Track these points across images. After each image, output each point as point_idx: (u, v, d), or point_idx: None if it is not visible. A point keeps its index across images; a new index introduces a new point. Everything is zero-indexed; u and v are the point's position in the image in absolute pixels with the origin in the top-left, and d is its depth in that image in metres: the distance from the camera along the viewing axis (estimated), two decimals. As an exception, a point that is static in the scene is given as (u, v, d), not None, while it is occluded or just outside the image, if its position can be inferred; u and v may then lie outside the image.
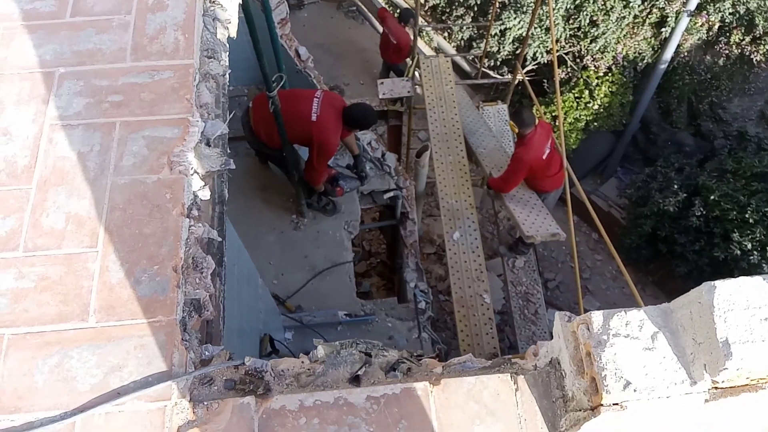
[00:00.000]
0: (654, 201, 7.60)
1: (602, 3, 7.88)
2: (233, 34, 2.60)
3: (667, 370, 1.45)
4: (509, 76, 7.74)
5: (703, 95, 8.36)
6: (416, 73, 7.00)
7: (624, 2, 7.81)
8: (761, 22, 7.53)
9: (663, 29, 7.93)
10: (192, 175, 1.98)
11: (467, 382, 1.69)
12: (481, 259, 5.14)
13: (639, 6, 7.81)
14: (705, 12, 7.77)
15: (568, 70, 8.61)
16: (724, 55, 8.05)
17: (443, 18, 9.48)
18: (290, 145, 4.60)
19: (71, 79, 2.16)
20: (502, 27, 8.48)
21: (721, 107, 8.28)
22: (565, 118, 8.38)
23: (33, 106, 2.10)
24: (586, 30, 8.16)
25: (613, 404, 1.45)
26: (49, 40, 2.29)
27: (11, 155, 2.00)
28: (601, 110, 8.35)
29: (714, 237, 6.94)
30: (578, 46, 8.37)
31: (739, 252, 6.57)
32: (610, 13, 7.84)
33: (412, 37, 8.19)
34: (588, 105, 8.31)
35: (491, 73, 8.84)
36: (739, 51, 8.00)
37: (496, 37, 8.65)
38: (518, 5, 8.27)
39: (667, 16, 7.82)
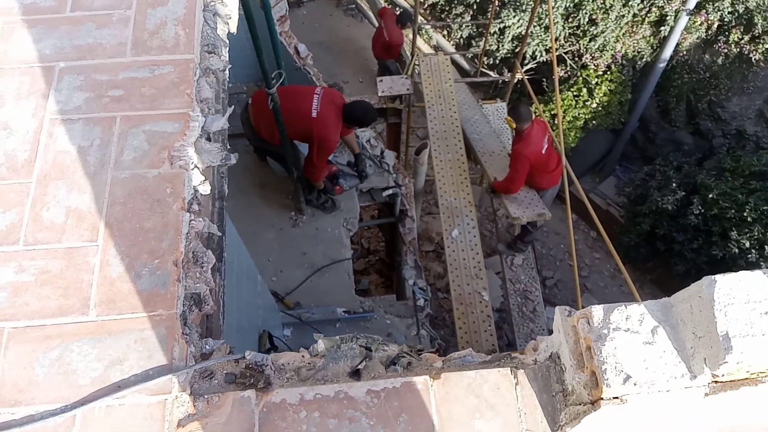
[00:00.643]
0: (652, 199, 7.62)
1: (601, 2, 7.89)
2: (233, 29, 2.60)
3: (667, 364, 1.46)
4: (508, 74, 7.75)
5: (701, 94, 8.37)
6: (415, 71, 7.01)
7: (623, 1, 7.83)
8: (760, 21, 7.55)
9: (662, 28, 7.95)
10: (192, 169, 1.98)
11: (467, 376, 1.69)
12: (479, 257, 5.15)
13: (638, 5, 7.82)
14: (704, 11, 7.78)
15: (568, 68, 8.62)
16: (723, 53, 8.06)
17: (442, 16, 9.48)
18: (290, 142, 4.59)
19: (71, 73, 2.15)
20: (502, 25, 8.48)
21: (719, 106, 8.29)
22: (563, 117, 8.38)
23: (33, 100, 2.09)
24: (586, 28, 8.17)
25: (613, 398, 1.45)
26: (49, 34, 2.28)
27: (11, 149, 2.00)
28: (600, 109, 8.36)
29: (712, 235, 6.95)
30: (577, 44, 8.38)
31: (737, 250, 6.59)
32: (610, 11, 7.86)
33: (404, 40, 8.22)
34: (587, 103, 8.32)
35: (490, 72, 8.84)
36: (738, 50, 8.02)
37: (495, 36, 8.66)
38: (517, 3, 8.27)
39: (666, 15, 7.84)
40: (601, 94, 8.27)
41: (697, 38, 8.17)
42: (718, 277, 1.41)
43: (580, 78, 8.43)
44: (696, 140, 8.70)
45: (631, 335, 1.49)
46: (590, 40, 8.21)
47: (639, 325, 1.51)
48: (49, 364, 1.65)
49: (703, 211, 7.05)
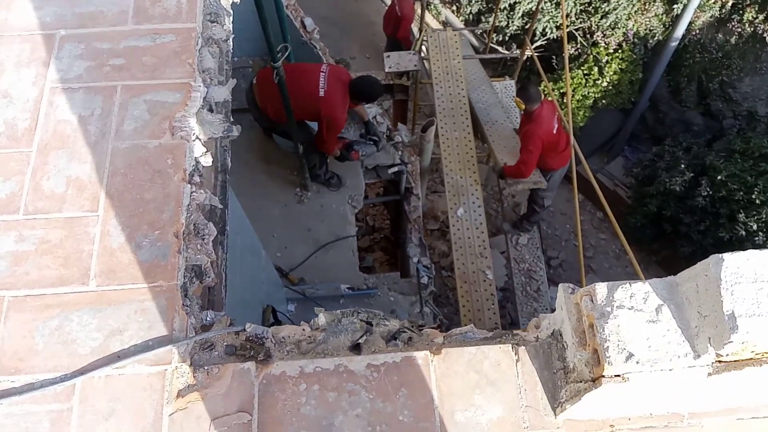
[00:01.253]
0: (660, 180, 7.54)
1: (614, -22, 7.74)
2: (238, 0, 2.55)
3: (671, 342, 1.44)
4: (517, 51, 7.63)
5: (713, 74, 8.23)
6: (423, 47, 6.92)
7: (636, -23, 7.67)
8: (776, -1, 7.39)
9: (675, 6, 7.78)
10: (194, 140, 1.96)
11: (468, 352, 1.68)
12: (484, 236, 5.12)
13: (651, -19, 7.67)
14: (719, -12, 7.62)
15: (578, 46, 8.48)
16: (736, 33, 7.91)
17: (452, -9, 9.34)
18: (296, 121, 4.55)
19: (72, 41, 2.12)
20: (512, 1, 8.34)
21: (731, 86, 8.16)
22: (573, 95, 8.27)
23: (33, 68, 2.07)
24: (597, 5, 8.01)
25: (615, 376, 1.44)
26: (50, 2, 2.25)
27: (11, 118, 1.98)
28: (610, 87, 8.24)
29: (720, 217, 6.88)
30: (589, 21, 8.23)
31: (744, 233, 6.53)
32: (622, -12, 7.71)
33: (414, 17, 8.07)
34: (597, 82, 8.20)
35: (499, 48, 8.71)
36: (752, 29, 7.85)
37: (505, 12, 8.52)
38: (529, -22, 8.13)
39: (680, -7, 7.68)
40: (612, 73, 8.14)
41: (711, 17, 8.00)
42: (726, 255, 1.38)
43: (591, 56, 8.30)
44: (706, 121, 8.58)
45: (634, 313, 1.47)
46: (602, 17, 8.06)
47: (643, 303, 1.49)
48: (49, 333, 1.65)
49: (711, 192, 6.96)
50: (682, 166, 7.38)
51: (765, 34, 7.75)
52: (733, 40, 7.96)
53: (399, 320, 1.84)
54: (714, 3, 7.83)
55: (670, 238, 7.71)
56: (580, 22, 8.31)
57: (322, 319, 1.77)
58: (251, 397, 1.59)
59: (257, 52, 6.18)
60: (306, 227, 5.49)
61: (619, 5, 7.83)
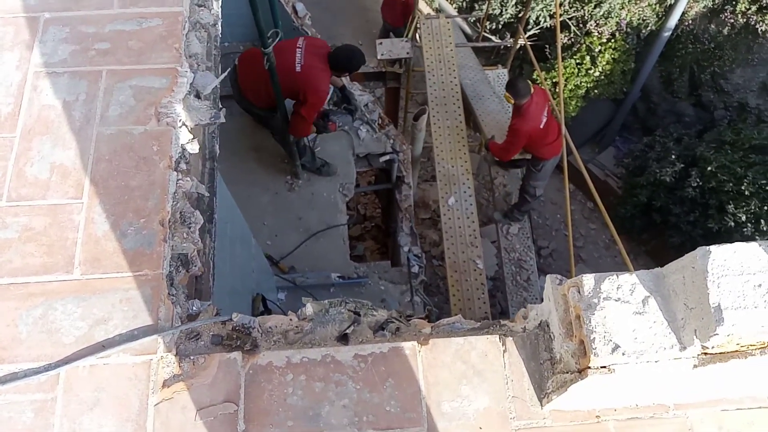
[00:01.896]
0: (651, 171, 7.56)
1: (608, -33, 7.70)
2: (225, -17, 2.51)
3: (657, 334, 1.44)
4: (510, 40, 7.59)
5: (705, 65, 8.24)
6: (416, 35, 6.86)
7: (630, -34, 7.64)
8: (768, -10, 7.39)
9: (669, -5, 7.78)
10: (180, 127, 1.94)
11: (455, 343, 1.68)
12: (475, 225, 5.12)
13: (645, -29, 7.64)
14: (712, -21, 7.61)
15: (571, 35, 8.46)
16: (729, 24, 7.90)
17: (445, -22, 9.26)
18: (284, 104, 4.48)
19: (57, 24, 2.08)
20: (506, -11, 8.30)
21: (723, 78, 8.17)
22: (565, 85, 8.26)
23: (17, 52, 2.03)
24: (591, -5, 8.00)
25: (601, 367, 1.44)
26: (34, -16, 2.20)
27: (-6, 102, 1.94)
28: (603, 77, 8.23)
29: (709, 208, 6.92)
30: (582, 11, 8.20)
31: (733, 224, 6.56)
32: (616, -23, 7.68)
33: None
34: (589, 72, 8.19)
35: (492, 37, 8.67)
36: (745, 20, 7.85)
37: (499, 0, 8.47)
38: (522, -33, 8.08)
39: (674, -18, 7.66)
40: (604, 63, 8.13)
41: (704, 7, 7.99)
42: (713, 247, 1.38)
43: (584, 45, 8.28)
44: (697, 112, 8.59)
45: (621, 305, 1.47)
46: (595, 7, 8.03)
47: (630, 294, 1.49)
48: (32, 322, 1.63)
49: (701, 183, 7.00)
50: (673, 156, 7.40)
51: (757, 26, 7.75)
52: (725, 31, 7.96)
53: (387, 310, 1.83)
54: (707, -7, 7.83)
55: (660, 228, 7.76)
56: (574, 11, 8.28)
57: (309, 309, 1.76)
58: (237, 387, 1.58)
59: (248, 37, 6.12)
60: (297, 215, 5.47)
61: (613, -6, 7.81)
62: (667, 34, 8.03)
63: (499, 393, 1.62)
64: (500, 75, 7.14)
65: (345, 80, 5.37)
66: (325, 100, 4.60)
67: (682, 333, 1.43)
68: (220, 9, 2.35)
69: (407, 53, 6.59)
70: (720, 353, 1.40)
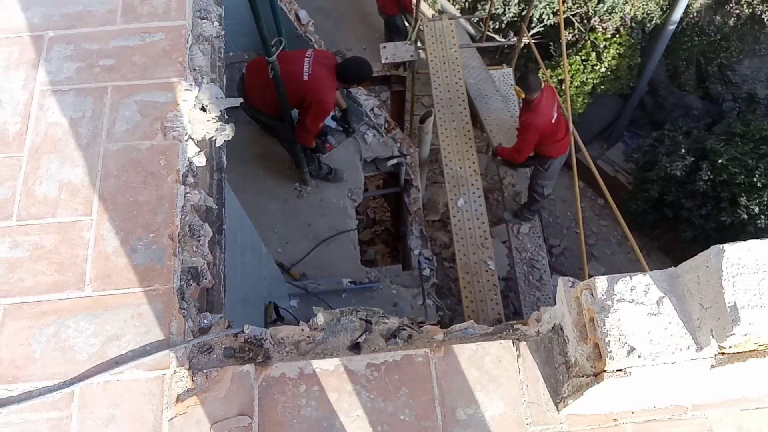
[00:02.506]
0: (661, 165, 7.50)
1: (610, -38, 7.66)
2: (228, -5, 2.52)
3: (673, 335, 1.42)
4: (514, 38, 7.57)
5: (712, 57, 8.16)
6: (419, 37, 6.85)
7: (633, -40, 7.60)
8: (774, -21, 7.32)
9: (673, -12, 7.72)
10: (187, 141, 1.94)
11: (468, 349, 1.67)
12: (485, 226, 5.10)
13: (648, -36, 7.59)
14: (716, -31, 7.54)
15: (575, 32, 8.42)
16: (734, 15, 7.83)
17: (447, -21, 9.24)
18: (290, 111, 4.50)
19: (61, 42, 2.10)
20: (508, -12, 8.28)
21: (730, 69, 8.09)
22: (571, 82, 8.22)
23: (23, 71, 2.05)
24: (594, -10, 7.96)
25: (617, 370, 1.42)
26: (37, 2, 2.22)
27: (1, 122, 1.96)
28: (609, 73, 8.18)
29: (721, 201, 6.85)
30: (586, 7, 8.16)
31: (746, 216, 6.49)
32: (619, -28, 7.64)
33: None
34: (595, 68, 8.15)
35: (496, 36, 8.65)
36: (750, 11, 7.78)
37: (501, -1, 8.46)
38: (524, -35, 8.06)
39: (677, -25, 7.60)
40: (610, 58, 8.08)
41: (709, -1, 7.95)
42: (727, 246, 1.36)
43: (588, 41, 8.24)
44: (706, 104, 8.52)
45: (635, 306, 1.46)
46: (599, 2, 7.99)
47: (644, 296, 1.47)
48: (45, 340, 1.64)
49: (712, 176, 6.93)
50: (683, 150, 7.34)
51: (763, 16, 7.68)
52: (731, 22, 7.89)
53: (398, 318, 1.82)
54: (712, -15, 7.77)
55: (672, 223, 7.69)
56: (577, 8, 8.24)
57: (320, 318, 1.75)
58: (251, 400, 1.57)
59: (253, 46, 6.14)
60: (306, 222, 5.47)
61: (616, -11, 7.77)
62: (672, 27, 7.97)
63: (514, 398, 1.61)
64: (505, 74, 7.13)
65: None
66: (330, 111, 4.63)
67: (698, 333, 1.41)
68: (222, 21, 2.35)
69: (411, 56, 6.59)
70: (738, 353, 1.38)
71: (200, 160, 1.97)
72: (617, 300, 1.46)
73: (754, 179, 6.47)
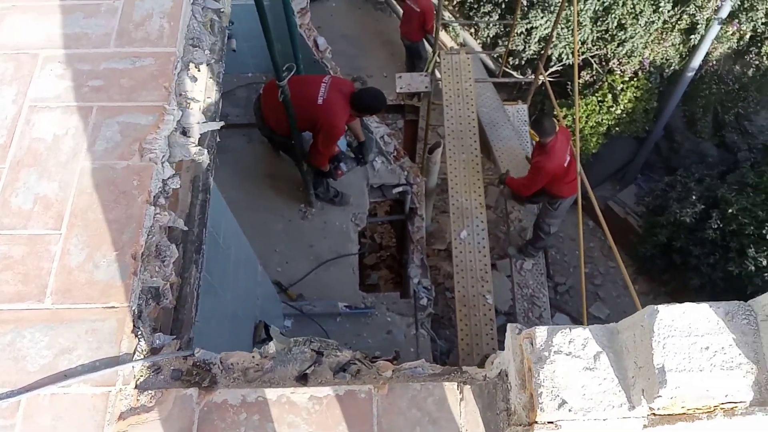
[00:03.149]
0: (671, 211, 7.44)
1: (631, 6, 7.68)
2: (225, 23, 2.60)
3: (606, 392, 1.42)
4: (531, 75, 7.62)
5: (729, 106, 8.12)
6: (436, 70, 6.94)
7: (653, 7, 7.61)
8: (795, 33, 7.29)
9: (692, 36, 7.71)
10: (163, 163, 2.00)
11: (413, 389, 1.68)
12: (486, 260, 5.09)
13: (669, 11, 7.60)
14: (737, 20, 7.52)
15: (594, 73, 8.45)
16: (754, 65, 7.80)
17: (470, 14, 9.36)
18: (299, 133, 4.60)
19: (54, 61, 2.18)
20: (529, 26, 8.35)
21: (747, 119, 8.04)
22: (586, 122, 8.22)
23: (15, 86, 2.13)
24: (614, 33, 7.98)
25: (548, 422, 1.42)
26: (42, 22, 2.32)
27: (-12, 135, 2.03)
28: (624, 115, 8.17)
29: (729, 251, 6.76)
30: (605, 49, 8.20)
31: (753, 268, 6.40)
32: (639, 17, 7.65)
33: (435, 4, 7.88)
34: (611, 109, 8.15)
35: (513, 72, 8.71)
36: (770, 62, 7.76)
37: (522, 36, 8.52)
38: (546, 4, 8.12)
39: (697, 23, 7.60)
40: (626, 101, 8.08)
41: (728, 48, 7.91)
42: (662, 307, 1.36)
43: (606, 83, 8.25)
44: (721, 153, 8.46)
45: (572, 359, 1.46)
46: (618, 45, 8.02)
47: (582, 349, 1.47)
48: (0, 348, 1.68)
49: (721, 225, 6.86)
50: (694, 197, 7.28)
51: (784, 68, 7.65)
52: (750, 73, 7.86)
53: (351, 352, 1.84)
54: (732, 35, 7.74)
55: (680, 269, 7.59)
56: (597, 49, 8.28)
57: (272, 347, 1.78)
58: (191, 424, 1.60)
59: (270, 69, 6.26)
60: (308, 243, 5.52)
61: (636, 34, 7.78)
62: (690, 74, 7.96)
63: (452, 442, 1.61)
64: (520, 110, 7.16)
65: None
66: (339, 136, 4.72)
67: (631, 392, 1.41)
68: (217, 50, 2.43)
69: (426, 87, 6.67)
70: (667, 415, 1.37)
71: (175, 183, 2.02)
72: (554, 351, 1.47)
73: (764, 231, 6.39)
